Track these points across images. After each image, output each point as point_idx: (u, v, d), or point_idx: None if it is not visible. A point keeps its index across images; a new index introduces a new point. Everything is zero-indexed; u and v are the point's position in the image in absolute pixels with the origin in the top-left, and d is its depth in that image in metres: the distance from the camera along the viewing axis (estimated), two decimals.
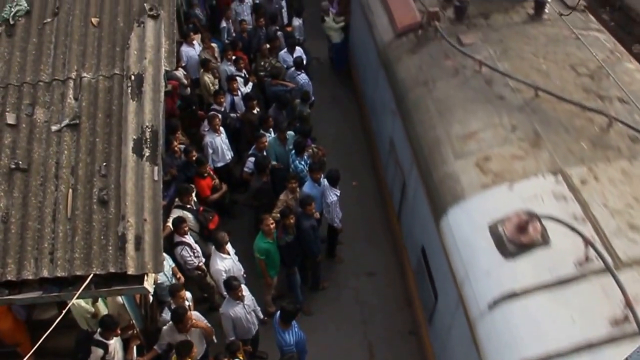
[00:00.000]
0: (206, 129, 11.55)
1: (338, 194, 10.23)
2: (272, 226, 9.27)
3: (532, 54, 9.15)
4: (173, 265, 9.41)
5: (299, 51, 13.63)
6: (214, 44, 14.23)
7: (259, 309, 9.02)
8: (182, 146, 11.05)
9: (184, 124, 12.10)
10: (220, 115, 11.47)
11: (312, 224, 9.79)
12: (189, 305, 8.70)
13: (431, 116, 8.89)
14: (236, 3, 15.43)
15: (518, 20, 10.09)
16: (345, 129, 14.26)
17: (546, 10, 10.09)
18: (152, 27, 8.29)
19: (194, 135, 12.22)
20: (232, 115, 12.29)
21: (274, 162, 10.89)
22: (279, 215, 9.62)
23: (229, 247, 9.23)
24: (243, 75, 13.04)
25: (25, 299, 6.74)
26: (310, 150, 11.06)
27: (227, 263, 9.05)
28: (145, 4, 8.43)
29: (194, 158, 10.62)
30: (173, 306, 8.52)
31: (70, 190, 7.05)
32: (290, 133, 11.27)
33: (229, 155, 11.56)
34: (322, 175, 10.27)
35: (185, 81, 12.90)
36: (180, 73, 12.72)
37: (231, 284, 8.34)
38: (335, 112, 14.70)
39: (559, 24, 9.77)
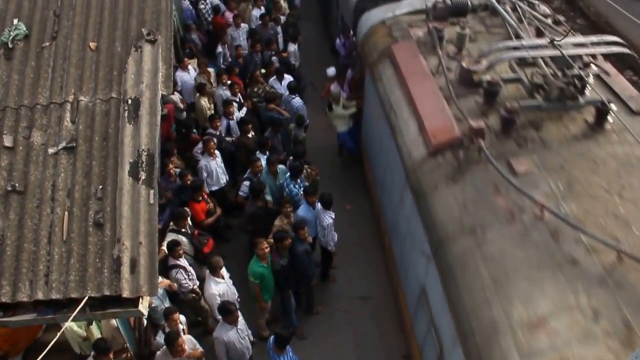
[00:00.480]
0: (199, 152, 11.60)
1: (333, 217, 10.26)
2: (266, 250, 9.27)
3: (604, 190, 7.06)
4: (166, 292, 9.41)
5: (288, 78, 13.73)
6: (210, 69, 14.33)
7: (249, 332, 8.98)
8: (177, 170, 11.09)
9: (180, 148, 12.14)
10: (215, 139, 11.51)
11: (305, 248, 9.78)
12: (183, 329, 8.67)
13: (483, 284, 6.55)
14: (232, 28, 15.57)
15: (577, 133, 7.94)
16: (339, 153, 14.31)
17: (609, 119, 7.96)
18: (149, 51, 8.37)
19: (189, 159, 12.26)
20: (228, 139, 12.34)
21: (268, 198, 10.80)
22: (272, 240, 9.63)
23: (223, 271, 9.22)
24: (238, 100, 13.13)
25: (19, 320, 6.71)
26: (304, 172, 11.09)
27: (221, 287, 9.03)
28: (142, 29, 8.53)
29: (189, 182, 10.65)
30: (167, 329, 8.49)
31: (66, 213, 7.06)
32: (281, 167, 11.23)
33: (223, 179, 11.59)
34: (317, 199, 10.29)
35: (181, 105, 12.96)
36: (176, 97, 12.79)
37: (228, 308, 8.32)
38: (330, 138, 14.74)
39: (627, 138, 7.70)
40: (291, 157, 11.50)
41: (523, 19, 9.79)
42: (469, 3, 10.60)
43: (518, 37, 9.22)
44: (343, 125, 13.23)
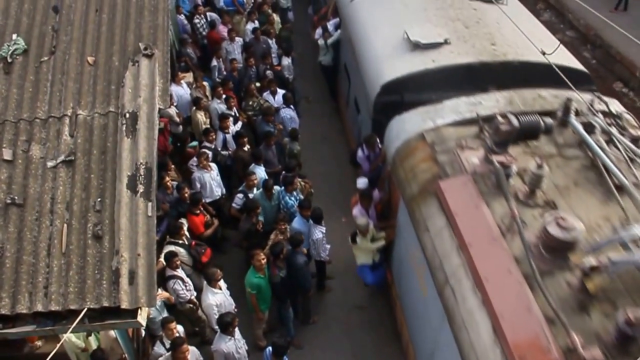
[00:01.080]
0: (194, 164, 11.65)
1: (323, 232, 10.31)
2: (263, 261, 9.31)
3: None
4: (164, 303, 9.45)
5: (281, 92, 13.83)
6: (204, 83, 14.41)
7: (244, 341, 9.00)
8: (175, 182, 11.14)
9: (175, 161, 12.19)
10: (209, 153, 11.56)
11: (303, 260, 9.89)
12: (185, 339, 8.72)
13: None
14: (227, 42, 15.65)
15: None
16: (335, 166, 14.38)
17: None
18: (146, 66, 8.44)
19: (185, 171, 12.31)
20: (224, 152, 12.39)
21: (260, 218, 10.63)
22: (268, 251, 9.69)
23: (221, 282, 9.26)
24: (233, 114, 13.19)
25: (19, 332, 6.73)
26: (298, 185, 11.16)
27: (218, 298, 9.08)
28: (140, 44, 8.61)
29: (186, 195, 10.70)
30: (164, 339, 8.52)
31: (65, 225, 7.10)
32: (277, 188, 11.11)
33: (218, 191, 11.62)
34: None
35: (177, 119, 13.03)
36: (172, 111, 12.85)
37: (226, 321, 8.36)
38: (325, 150, 14.85)
39: None
40: (283, 171, 11.61)
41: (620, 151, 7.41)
42: (541, 123, 7.60)
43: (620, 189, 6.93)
44: (366, 258, 10.19)
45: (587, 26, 18.80)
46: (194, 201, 10.54)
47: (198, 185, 11.29)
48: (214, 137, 12.20)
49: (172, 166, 11.66)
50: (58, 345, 6.71)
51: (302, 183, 11.44)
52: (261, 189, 10.95)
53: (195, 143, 12.82)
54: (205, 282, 9.22)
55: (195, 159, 11.70)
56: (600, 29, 17.89)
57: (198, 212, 10.59)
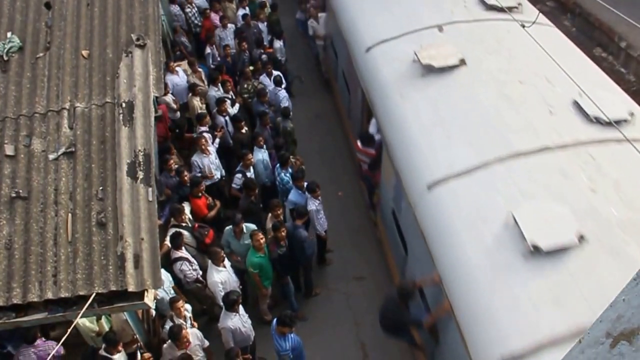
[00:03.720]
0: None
1: (317, 204, 10.26)
2: (262, 241, 9.27)
3: None
4: (173, 284, 9.42)
5: (275, 74, 13.65)
6: (200, 69, 14.28)
7: (247, 315, 9.00)
8: (176, 166, 11.07)
9: (175, 146, 12.12)
10: (206, 136, 11.47)
11: (305, 234, 9.88)
12: (190, 317, 8.72)
13: None
14: (220, 29, 15.51)
15: None
16: (329, 143, 14.31)
17: None
18: (139, 56, 8.34)
19: (185, 156, 12.24)
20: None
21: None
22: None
23: (225, 260, 9.24)
24: (230, 97, 13.09)
25: (31, 320, 6.71)
26: (290, 161, 11.11)
27: (223, 275, 9.06)
28: (132, 35, 8.49)
29: (186, 178, 10.64)
30: (175, 318, 8.52)
31: (70, 215, 7.05)
32: (249, 225, 9.81)
33: (217, 174, 11.55)
34: (305, 184, 10.34)
35: (174, 105, 12.94)
36: (169, 98, 12.77)
37: (231, 299, 8.35)
38: (319, 128, 14.76)
39: None
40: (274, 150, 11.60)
41: None
42: None
43: None
44: None
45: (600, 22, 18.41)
46: (194, 184, 10.47)
47: (197, 169, 11.22)
48: (207, 121, 12.10)
49: (174, 151, 11.58)
50: (69, 330, 6.68)
51: (293, 160, 11.37)
52: (230, 226, 9.81)
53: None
54: (209, 261, 9.19)
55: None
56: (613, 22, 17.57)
57: (200, 194, 10.53)
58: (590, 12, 16.98)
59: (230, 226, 9.74)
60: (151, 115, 7.84)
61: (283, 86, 13.41)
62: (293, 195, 10.39)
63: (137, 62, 8.26)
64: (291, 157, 11.41)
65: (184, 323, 8.53)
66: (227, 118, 12.44)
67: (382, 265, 11.00)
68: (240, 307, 8.67)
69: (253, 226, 9.73)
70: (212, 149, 11.45)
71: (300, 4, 16.63)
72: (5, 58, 8.16)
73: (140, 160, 7.41)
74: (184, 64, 14.33)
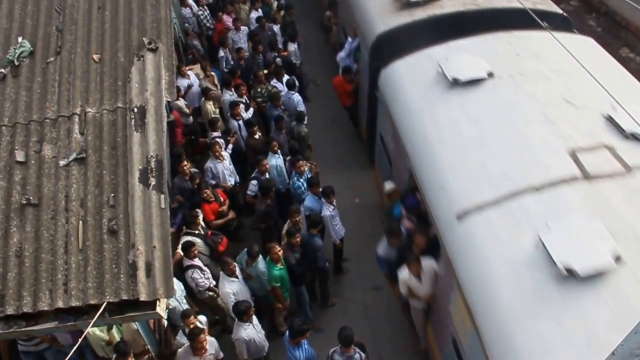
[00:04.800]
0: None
1: (331, 210, 10.29)
2: (280, 253, 9.29)
3: None
4: (185, 294, 9.48)
5: (287, 77, 13.77)
6: (212, 73, 14.37)
7: (260, 326, 9.03)
8: (192, 170, 11.14)
9: (188, 152, 12.20)
10: (219, 142, 11.53)
11: (321, 243, 9.96)
12: (203, 329, 8.77)
13: None
14: (233, 32, 15.60)
15: None
16: (345, 148, 14.35)
17: None
18: (151, 60, 8.44)
19: (198, 162, 12.32)
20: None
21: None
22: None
23: (237, 271, 9.28)
24: (244, 101, 13.17)
25: (42, 329, 6.80)
26: (304, 167, 11.11)
27: (234, 286, 9.09)
28: (144, 38, 8.59)
29: (196, 185, 10.73)
30: (186, 329, 8.58)
31: (81, 222, 7.14)
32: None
33: (231, 180, 11.63)
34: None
35: (187, 110, 13.03)
36: (181, 103, 12.86)
37: (240, 309, 8.39)
38: (335, 133, 14.79)
39: None
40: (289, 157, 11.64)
41: None
42: None
43: None
44: None
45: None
46: (199, 188, 10.61)
47: (210, 176, 11.29)
48: (220, 126, 12.18)
49: (184, 157, 11.63)
50: (81, 339, 6.77)
51: (306, 166, 11.36)
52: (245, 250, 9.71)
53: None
54: (221, 272, 9.24)
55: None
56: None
57: (211, 199, 10.57)
58: (616, 11, 16.87)
59: (246, 250, 9.63)
60: (163, 120, 7.92)
61: (296, 89, 13.46)
62: (309, 201, 10.42)
63: (149, 66, 8.35)
64: (306, 162, 11.43)
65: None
66: (240, 122, 12.50)
67: None
68: (254, 317, 8.70)
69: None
70: (226, 154, 11.52)
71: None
72: (17, 63, 8.29)
73: (153, 166, 7.49)
74: (197, 67, 14.44)
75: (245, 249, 9.66)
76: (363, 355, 8.27)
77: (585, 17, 17.92)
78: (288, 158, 11.52)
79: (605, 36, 16.75)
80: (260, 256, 9.59)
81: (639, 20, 15.79)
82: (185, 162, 11.02)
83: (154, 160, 7.53)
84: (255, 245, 9.70)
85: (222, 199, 10.88)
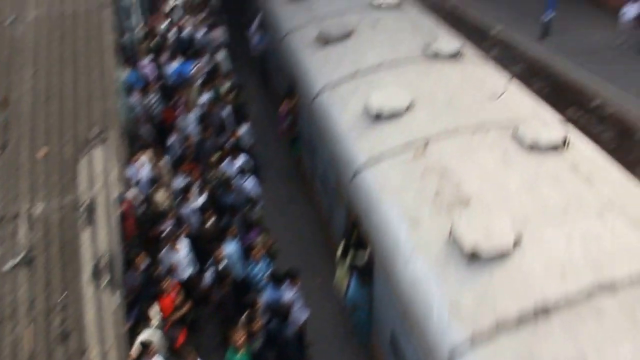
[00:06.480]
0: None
1: (293, 294, 10.13)
2: (243, 339, 9.08)
3: None
4: None
5: (241, 158, 13.80)
6: (163, 160, 14.28)
7: None
8: (144, 265, 10.87)
9: (141, 243, 11.94)
10: (175, 232, 11.35)
11: (289, 332, 9.81)
12: None
13: None
14: (181, 117, 15.62)
15: None
16: (304, 228, 14.33)
17: None
18: (100, 152, 8.40)
19: (153, 252, 12.06)
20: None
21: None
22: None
23: None
24: (198, 185, 13.06)
25: None
26: (261, 251, 11.00)
27: None
28: (92, 130, 8.55)
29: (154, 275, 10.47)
30: None
31: (29, 329, 6.87)
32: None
33: (188, 270, 11.40)
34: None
35: (138, 200, 12.84)
36: (133, 192, 12.68)
37: None
38: (292, 212, 14.78)
39: None
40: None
41: None
42: None
43: None
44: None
45: (533, 58, 19.24)
46: (156, 280, 10.32)
47: (167, 266, 11.04)
48: (173, 215, 12.01)
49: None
50: None
51: (261, 243, 11.29)
52: None
53: None
54: None
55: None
56: (543, 59, 18.43)
57: (169, 291, 10.31)
58: (559, 73, 17.61)
59: None
60: (115, 214, 7.82)
61: (249, 174, 13.45)
62: (269, 293, 10.23)
63: (98, 158, 8.32)
64: (262, 244, 11.32)
65: None
66: (192, 209, 12.36)
67: (366, 358, 10.79)
68: None
69: None
70: (182, 244, 11.31)
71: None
72: None
73: (105, 262, 7.33)
74: (148, 154, 14.33)
75: None
76: None
77: (531, 80, 18.57)
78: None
79: (550, 96, 17.41)
80: None
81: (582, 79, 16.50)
82: (140, 256, 10.78)
83: (106, 256, 7.37)
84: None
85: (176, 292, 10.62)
